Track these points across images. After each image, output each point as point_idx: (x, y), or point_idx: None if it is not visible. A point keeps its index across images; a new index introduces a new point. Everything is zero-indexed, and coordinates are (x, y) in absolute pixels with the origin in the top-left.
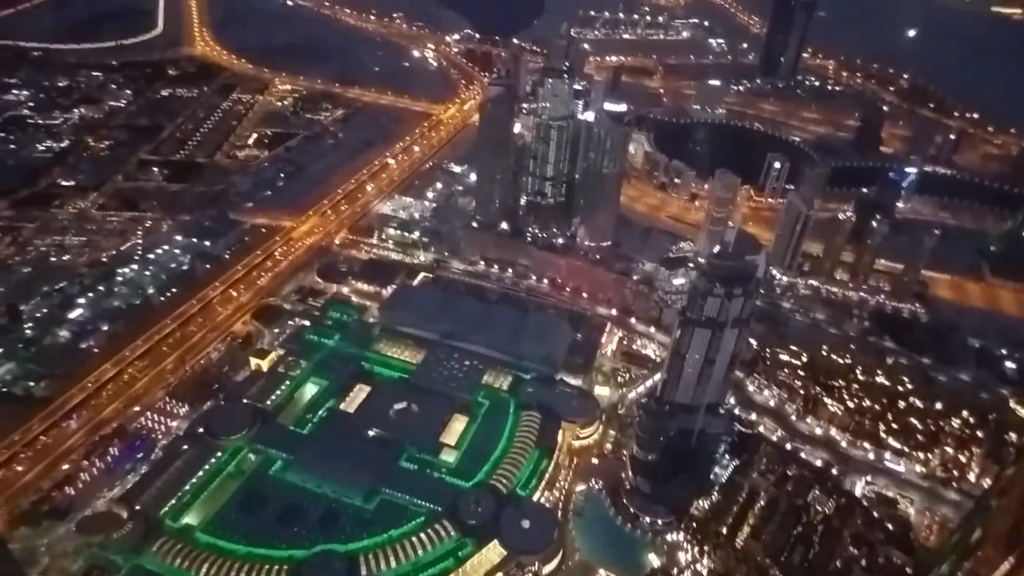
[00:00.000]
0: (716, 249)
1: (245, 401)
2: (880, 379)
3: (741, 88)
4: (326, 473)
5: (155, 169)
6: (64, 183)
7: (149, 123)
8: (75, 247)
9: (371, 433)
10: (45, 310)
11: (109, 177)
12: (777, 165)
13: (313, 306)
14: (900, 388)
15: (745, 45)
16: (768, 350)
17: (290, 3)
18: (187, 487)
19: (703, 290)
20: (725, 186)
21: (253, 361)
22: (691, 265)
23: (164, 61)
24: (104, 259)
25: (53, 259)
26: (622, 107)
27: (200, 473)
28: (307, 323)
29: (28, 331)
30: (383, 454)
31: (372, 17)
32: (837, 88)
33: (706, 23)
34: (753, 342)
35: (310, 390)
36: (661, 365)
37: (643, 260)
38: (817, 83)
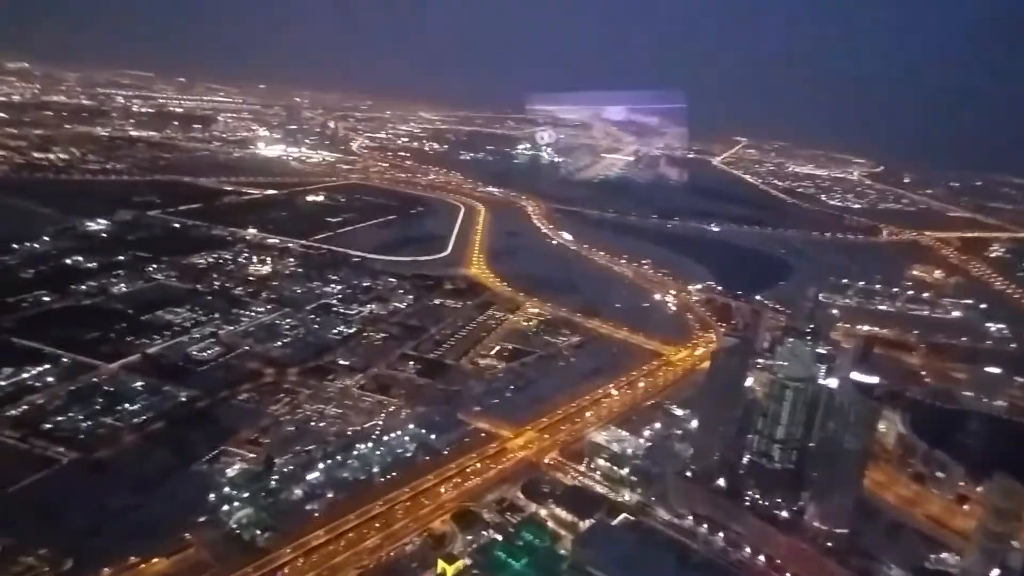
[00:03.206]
0: (996, 574)
1: None
2: None
3: None
4: None
5: (411, 363)
6: (342, 362)
7: (418, 324)
8: (331, 417)
9: None
10: (292, 467)
11: (375, 363)
12: None
13: (509, 521)
14: None
15: None
16: None
17: (554, 243)
18: None
19: None
20: (1006, 494)
21: (440, 564)
22: None
23: (444, 277)
24: (349, 432)
25: (312, 424)
26: (873, 379)
27: None
28: (499, 537)
29: (273, 482)
30: None
31: (623, 261)
32: None
33: (983, 305)
34: None
35: None
36: None
37: (889, 563)
38: None
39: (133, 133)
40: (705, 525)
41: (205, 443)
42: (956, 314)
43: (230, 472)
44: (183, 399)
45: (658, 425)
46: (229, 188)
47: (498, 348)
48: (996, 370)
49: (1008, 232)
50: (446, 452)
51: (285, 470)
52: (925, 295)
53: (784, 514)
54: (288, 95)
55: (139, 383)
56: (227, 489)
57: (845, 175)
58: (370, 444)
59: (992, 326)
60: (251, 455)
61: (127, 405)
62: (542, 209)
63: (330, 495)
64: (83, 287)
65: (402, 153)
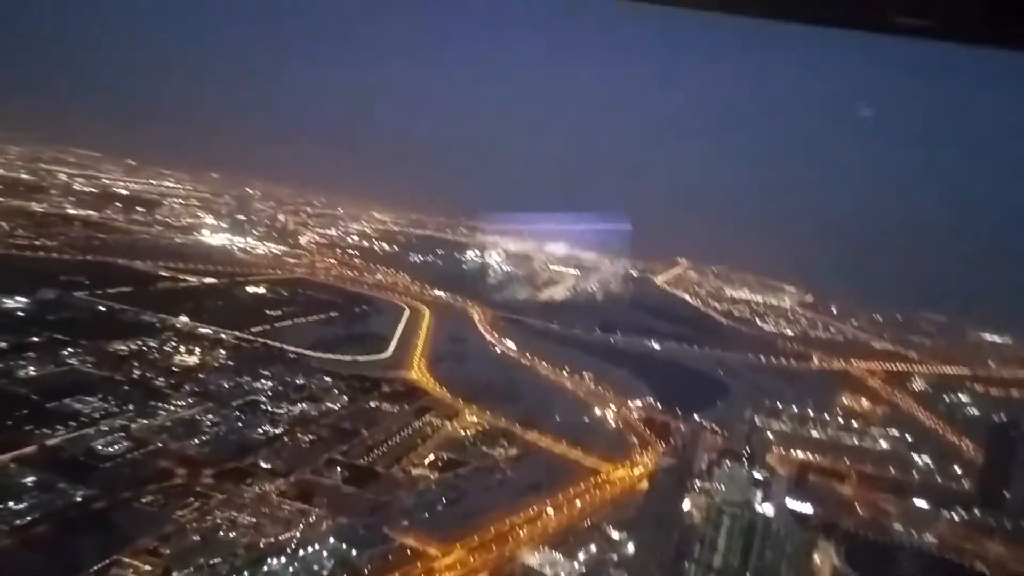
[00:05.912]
0: None
1: None
2: None
3: (955, 517)
4: None
5: (339, 469)
6: (263, 465)
7: (351, 427)
8: (244, 527)
9: None
10: None
11: (299, 468)
12: None
13: None
14: None
15: (957, 469)
16: None
17: (497, 350)
18: None
19: None
20: None
21: None
22: None
23: (382, 379)
24: (261, 545)
25: (221, 534)
26: (807, 508)
27: None
28: None
29: None
30: None
31: (564, 372)
32: None
33: (908, 437)
34: None
35: None
36: None
37: None
38: None
39: (71, 211)
40: None
41: (95, 551)
42: (884, 444)
43: None
44: (78, 499)
45: (594, 549)
46: (165, 274)
47: (433, 457)
48: (924, 504)
49: (928, 367)
50: (366, 571)
51: None
52: (854, 423)
53: None
54: (240, 185)
55: (31, 478)
56: None
57: (779, 302)
58: (283, 559)
59: (918, 458)
60: (146, 567)
61: (11, 503)
62: (487, 316)
63: None
64: None
65: (351, 251)
